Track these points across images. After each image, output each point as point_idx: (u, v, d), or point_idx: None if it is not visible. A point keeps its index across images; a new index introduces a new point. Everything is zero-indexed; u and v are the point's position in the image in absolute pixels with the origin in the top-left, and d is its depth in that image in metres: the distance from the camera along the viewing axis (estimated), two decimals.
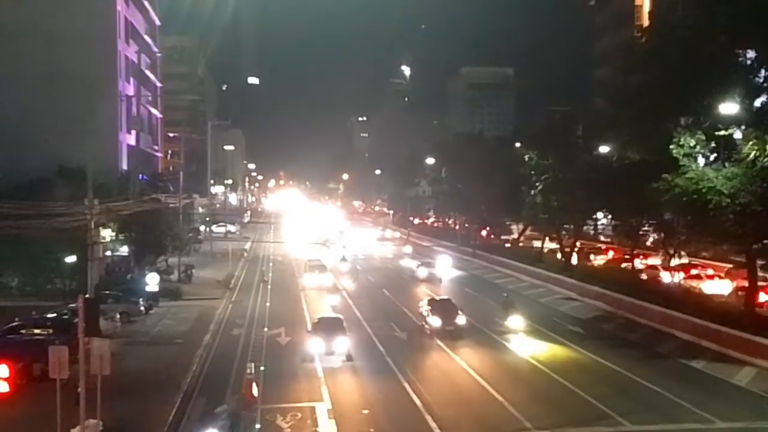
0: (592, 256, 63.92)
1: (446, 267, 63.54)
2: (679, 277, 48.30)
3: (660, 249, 57.25)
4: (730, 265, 49.88)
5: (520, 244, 76.56)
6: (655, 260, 56.91)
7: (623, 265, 55.79)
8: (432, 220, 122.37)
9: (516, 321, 37.76)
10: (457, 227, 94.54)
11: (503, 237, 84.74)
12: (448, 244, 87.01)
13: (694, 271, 50.02)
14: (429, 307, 38.13)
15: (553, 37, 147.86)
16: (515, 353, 33.36)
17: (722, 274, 48.88)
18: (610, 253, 64.73)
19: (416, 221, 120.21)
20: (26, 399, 24.12)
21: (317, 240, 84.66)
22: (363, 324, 39.90)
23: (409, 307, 44.16)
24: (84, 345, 20.69)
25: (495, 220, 79.87)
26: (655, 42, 38.88)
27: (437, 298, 41.71)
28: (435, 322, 36.44)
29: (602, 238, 77.28)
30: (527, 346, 34.46)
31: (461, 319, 36.83)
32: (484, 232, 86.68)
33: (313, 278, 53.82)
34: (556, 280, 53.54)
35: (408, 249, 80.00)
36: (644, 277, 50.86)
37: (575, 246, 60.56)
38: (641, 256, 57.67)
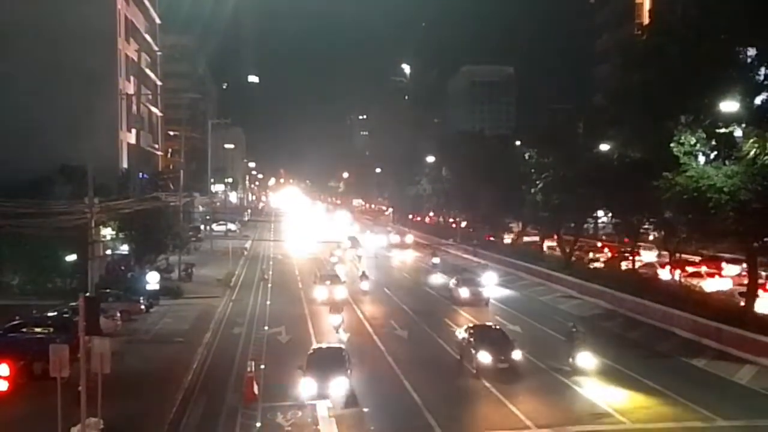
0: (591, 254, 64.05)
1: (493, 285, 50.83)
2: (678, 274, 48.34)
3: (650, 244, 57.64)
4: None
5: (525, 239, 76.61)
6: (649, 255, 57.53)
7: (623, 264, 56.07)
8: (428, 217, 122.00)
9: (586, 359, 28.77)
10: (455, 225, 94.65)
11: (503, 235, 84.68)
12: (447, 242, 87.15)
13: (690, 269, 50.25)
14: (472, 338, 29.92)
15: (553, 36, 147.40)
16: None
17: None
18: (606, 251, 65.19)
19: (416, 219, 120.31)
20: (27, 398, 24.11)
21: (324, 245, 78.52)
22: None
23: (446, 338, 34.78)
24: (85, 344, 20.70)
25: (495, 218, 79.70)
26: (655, 40, 38.92)
27: (482, 324, 33.42)
28: (484, 357, 28.29)
29: (604, 237, 77.23)
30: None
31: (517, 354, 28.88)
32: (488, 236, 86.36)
33: (325, 291, 46.46)
34: (557, 278, 53.55)
35: (437, 260, 66.62)
36: (643, 271, 51.13)
37: (576, 244, 60.57)
38: (636, 254, 58.23)
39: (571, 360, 28.91)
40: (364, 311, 43.70)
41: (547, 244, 67.58)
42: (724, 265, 52.13)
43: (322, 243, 79.06)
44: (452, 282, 48.80)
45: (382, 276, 59.44)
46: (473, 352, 28.95)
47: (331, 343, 30.96)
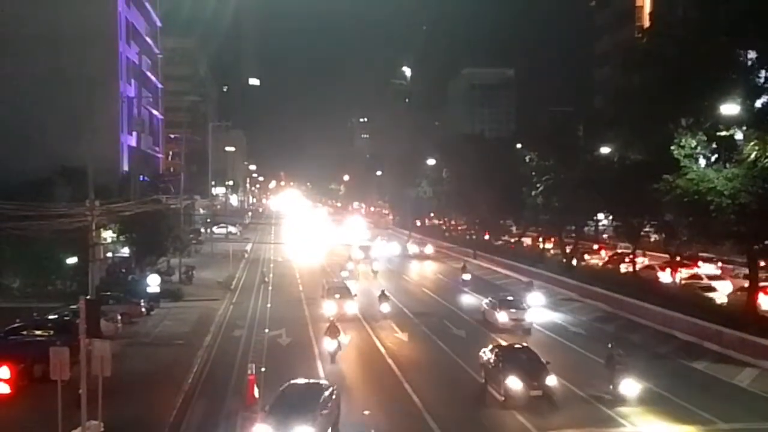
0: (586, 256, 64.25)
1: (538, 308, 42.63)
2: (679, 277, 48.39)
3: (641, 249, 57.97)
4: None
5: (528, 240, 76.78)
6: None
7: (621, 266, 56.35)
8: (428, 220, 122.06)
9: (630, 386, 25.11)
10: (454, 227, 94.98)
11: (504, 238, 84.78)
12: (448, 245, 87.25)
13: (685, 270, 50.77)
14: (500, 360, 26.27)
15: (553, 38, 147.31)
16: None
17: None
18: (603, 253, 65.51)
19: (419, 223, 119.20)
20: (27, 400, 24.13)
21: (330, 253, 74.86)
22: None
23: (475, 366, 28.82)
24: (85, 346, 20.69)
25: (496, 221, 79.77)
26: (655, 42, 38.96)
27: (510, 345, 29.55)
28: (514, 383, 24.62)
29: (607, 240, 77.36)
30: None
31: (552, 380, 25.09)
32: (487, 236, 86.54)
33: (334, 306, 40.93)
34: (557, 281, 53.53)
35: (467, 276, 56.76)
36: (643, 274, 51.35)
37: (577, 247, 60.62)
38: (632, 256, 58.67)
39: (612, 387, 25.35)
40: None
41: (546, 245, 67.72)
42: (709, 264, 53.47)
43: (329, 252, 74.62)
44: (486, 303, 41.15)
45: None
46: (501, 377, 25.29)
47: (314, 379, 25.12)
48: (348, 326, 30.57)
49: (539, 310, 42.09)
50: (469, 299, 49.25)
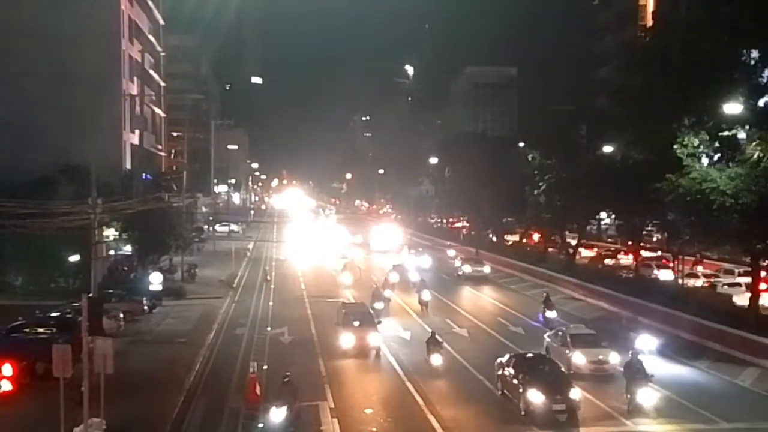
0: (582, 250, 64.49)
1: (649, 352, 29.99)
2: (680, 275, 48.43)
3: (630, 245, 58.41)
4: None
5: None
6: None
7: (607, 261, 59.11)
8: (434, 219, 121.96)
9: (647, 395, 23.67)
10: (459, 225, 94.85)
11: (506, 237, 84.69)
12: (452, 244, 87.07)
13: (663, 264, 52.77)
14: (519, 372, 24.30)
15: (556, 37, 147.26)
16: None
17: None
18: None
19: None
20: (30, 398, 24.16)
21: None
22: None
23: None
24: (87, 344, 20.73)
25: (498, 219, 79.68)
26: (658, 41, 38.97)
27: (530, 355, 26.98)
28: (536, 397, 22.67)
29: (610, 240, 77.50)
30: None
31: (576, 393, 23.14)
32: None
33: (352, 338, 32.31)
34: (559, 280, 53.52)
35: (553, 314, 38.96)
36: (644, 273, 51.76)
37: (579, 246, 60.60)
38: (623, 252, 59.17)
39: (628, 396, 23.83)
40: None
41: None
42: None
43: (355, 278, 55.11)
44: (550, 337, 31.73)
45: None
46: (521, 390, 23.44)
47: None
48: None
49: (651, 357, 28.89)
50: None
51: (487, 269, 59.49)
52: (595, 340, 29.79)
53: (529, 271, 59.56)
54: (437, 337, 30.51)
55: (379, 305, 40.10)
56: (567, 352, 28.80)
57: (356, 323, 33.09)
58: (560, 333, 30.96)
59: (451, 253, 75.03)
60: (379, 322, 34.91)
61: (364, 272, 57.46)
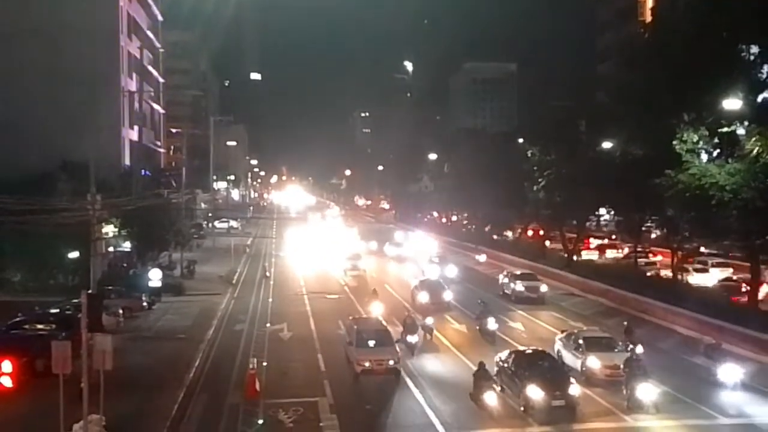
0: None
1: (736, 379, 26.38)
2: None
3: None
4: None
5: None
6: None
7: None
8: (433, 215, 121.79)
9: (647, 391, 23.32)
10: (458, 221, 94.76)
11: (505, 233, 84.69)
12: (451, 240, 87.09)
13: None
14: (518, 367, 24.30)
15: (555, 32, 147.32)
16: None
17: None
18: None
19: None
20: (29, 394, 24.17)
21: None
22: None
23: None
24: (87, 340, 20.72)
25: (497, 215, 79.56)
26: (657, 37, 39.00)
27: (529, 350, 26.87)
28: (534, 393, 22.52)
29: (614, 236, 77.50)
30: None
31: (575, 389, 23.11)
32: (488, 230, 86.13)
33: (367, 358, 27.60)
34: (558, 276, 53.55)
35: (639, 350, 28.38)
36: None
37: (579, 242, 60.59)
38: (618, 248, 59.28)
39: (627, 392, 23.59)
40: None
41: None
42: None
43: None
44: (562, 340, 29.57)
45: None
46: (519, 385, 23.25)
47: None
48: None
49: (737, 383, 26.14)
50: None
51: (543, 287, 46.25)
52: (609, 344, 27.94)
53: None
54: (487, 368, 24.90)
55: (412, 338, 31.65)
56: (580, 356, 27.20)
57: (371, 343, 28.34)
58: (572, 336, 28.91)
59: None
60: (396, 341, 29.63)
61: (378, 284, 47.16)
